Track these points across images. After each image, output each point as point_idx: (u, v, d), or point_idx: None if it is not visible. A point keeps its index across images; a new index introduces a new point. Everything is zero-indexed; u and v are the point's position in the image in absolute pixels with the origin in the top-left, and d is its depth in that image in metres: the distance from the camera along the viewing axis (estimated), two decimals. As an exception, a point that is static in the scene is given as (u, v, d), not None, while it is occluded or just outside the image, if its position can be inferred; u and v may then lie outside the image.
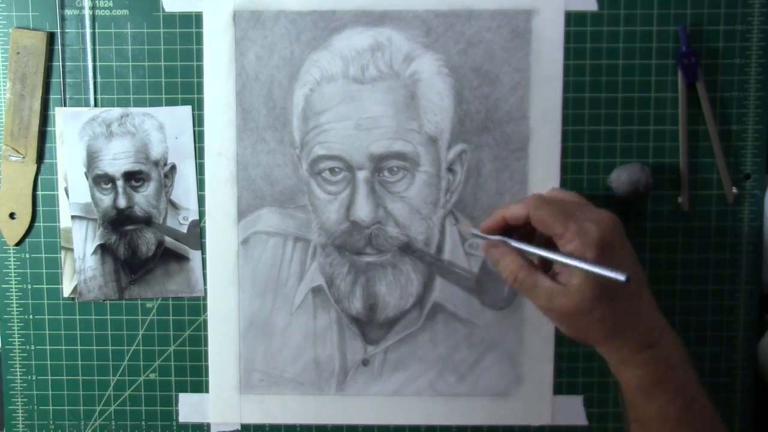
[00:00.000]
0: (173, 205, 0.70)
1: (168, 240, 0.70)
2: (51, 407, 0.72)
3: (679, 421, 0.55)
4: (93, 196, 0.69)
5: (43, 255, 0.70)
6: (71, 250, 0.70)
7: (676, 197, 0.69)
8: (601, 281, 0.53)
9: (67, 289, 0.70)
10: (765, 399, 0.71)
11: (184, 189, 0.69)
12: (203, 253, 0.70)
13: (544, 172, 0.69)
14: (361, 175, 0.68)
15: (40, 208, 0.70)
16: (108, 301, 0.71)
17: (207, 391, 0.71)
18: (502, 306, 0.70)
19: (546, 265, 0.59)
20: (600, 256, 0.54)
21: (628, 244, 0.57)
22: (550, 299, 0.56)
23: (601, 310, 0.55)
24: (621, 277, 0.50)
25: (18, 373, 0.72)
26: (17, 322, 0.71)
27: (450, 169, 0.69)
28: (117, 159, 0.69)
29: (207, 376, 0.71)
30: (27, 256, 0.70)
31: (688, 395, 0.55)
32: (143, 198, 0.69)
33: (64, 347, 0.71)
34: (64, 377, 0.71)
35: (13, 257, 0.70)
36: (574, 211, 0.56)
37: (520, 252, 0.59)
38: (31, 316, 0.71)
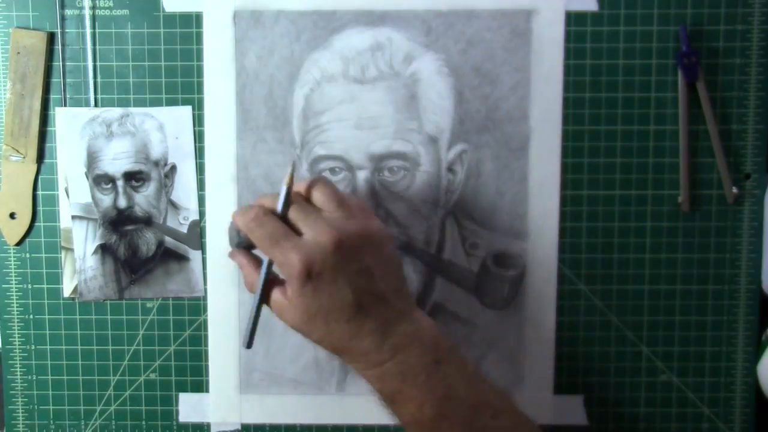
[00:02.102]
0: (173, 205, 0.70)
1: (168, 240, 0.70)
2: (51, 407, 0.72)
3: (435, 420, 0.55)
4: (93, 196, 0.69)
5: (44, 255, 0.70)
6: (71, 250, 0.70)
7: (676, 197, 0.69)
8: (307, 308, 0.55)
9: (67, 289, 0.70)
10: (766, 399, 0.71)
11: (184, 189, 0.69)
12: (203, 253, 0.70)
13: (544, 171, 0.69)
14: (362, 174, 0.68)
15: (40, 208, 0.70)
16: (108, 301, 0.71)
17: (207, 390, 0.71)
18: (503, 306, 0.70)
19: None
20: (303, 289, 0.54)
21: (361, 265, 0.55)
22: (280, 312, 0.57)
23: (317, 333, 0.56)
24: (244, 344, 0.58)
25: (18, 373, 0.72)
26: (17, 322, 0.71)
27: (450, 169, 0.69)
28: (117, 159, 0.69)
29: (207, 375, 0.71)
30: (27, 255, 0.70)
31: (438, 396, 0.55)
32: (143, 198, 0.69)
33: (64, 347, 0.71)
34: (65, 377, 0.72)
35: (14, 257, 0.70)
36: (283, 236, 0.55)
37: (256, 262, 0.59)
38: (31, 316, 0.71)
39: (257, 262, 0.59)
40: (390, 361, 0.55)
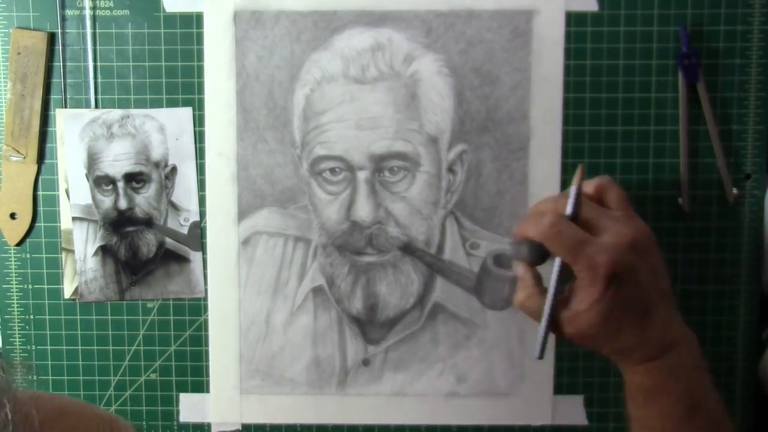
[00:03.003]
0: (174, 207, 0.70)
1: (169, 241, 0.70)
2: (52, 407, 0.72)
3: (681, 422, 0.55)
4: (94, 198, 0.69)
5: (44, 255, 0.70)
6: (72, 251, 0.70)
7: (676, 197, 0.69)
8: (605, 310, 0.53)
9: (68, 291, 0.70)
10: (766, 399, 0.71)
11: (184, 190, 0.69)
12: (204, 253, 0.70)
13: (544, 172, 0.69)
14: (362, 175, 0.68)
15: (40, 209, 0.70)
16: (109, 302, 0.71)
17: (208, 391, 0.71)
18: (503, 306, 0.70)
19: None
20: (608, 291, 0.53)
21: (650, 263, 0.55)
22: (566, 323, 0.55)
23: (605, 339, 0.55)
24: (536, 354, 0.55)
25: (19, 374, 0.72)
26: (18, 323, 0.71)
27: (450, 169, 0.69)
28: (118, 160, 0.69)
29: (208, 376, 0.71)
30: (28, 256, 0.70)
31: (694, 401, 0.55)
32: (144, 199, 0.69)
33: (65, 347, 0.71)
34: (65, 377, 0.72)
35: (14, 257, 0.70)
36: (585, 240, 0.54)
37: (535, 276, 0.58)
38: (31, 317, 0.71)
39: (537, 277, 0.58)
40: (662, 357, 0.55)
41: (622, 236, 0.54)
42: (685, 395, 0.55)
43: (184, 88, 0.69)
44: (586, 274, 0.54)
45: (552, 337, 0.70)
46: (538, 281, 0.57)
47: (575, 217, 0.55)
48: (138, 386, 0.72)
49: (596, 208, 0.57)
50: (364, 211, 0.68)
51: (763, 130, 0.68)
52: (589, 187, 0.58)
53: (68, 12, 0.68)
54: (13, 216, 0.70)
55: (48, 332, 0.71)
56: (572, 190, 0.55)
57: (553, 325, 0.56)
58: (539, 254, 0.56)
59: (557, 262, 0.55)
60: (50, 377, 0.72)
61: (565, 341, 0.69)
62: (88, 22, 0.68)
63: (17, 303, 0.71)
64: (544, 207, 0.58)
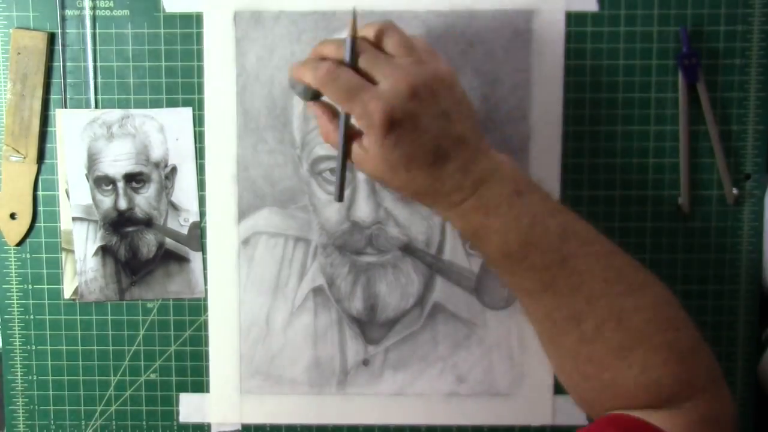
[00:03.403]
0: (174, 207, 0.70)
1: (169, 241, 0.70)
2: (52, 407, 0.72)
3: (522, 251, 0.55)
4: (94, 198, 0.69)
5: (44, 255, 0.70)
6: (72, 251, 0.70)
7: (676, 197, 0.69)
8: (389, 157, 0.54)
9: (68, 291, 0.70)
10: (766, 399, 0.71)
11: (184, 191, 0.69)
12: (204, 253, 0.70)
13: (544, 172, 0.69)
14: (362, 175, 0.68)
15: (40, 209, 0.70)
16: (109, 302, 0.71)
17: (208, 391, 0.71)
18: (503, 306, 0.70)
19: None
20: (386, 138, 0.53)
21: (439, 107, 0.55)
22: (360, 163, 0.57)
23: (398, 181, 0.55)
24: (335, 198, 0.57)
25: (19, 373, 0.72)
26: (18, 323, 0.71)
27: (450, 169, 0.69)
28: (118, 161, 0.69)
29: (208, 376, 0.71)
30: (28, 256, 0.70)
31: (523, 227, 0.54)
32: (144, 200, 0.69)
33: (64, 347, 0.71)
34: (65, 377, 0.72)
35: (14, 257, 0.70)
36: (361, 86, 0.54)
37: (331, 113, 0.59)
38: (31, 317, 0.71)
39: (332, 111, 0.58)
40: (471, 197, 0.55)
41: (399, 82, 0.53)
42: (513, 224, 0.54)
43: (184, 88, 0.69)
44: (364, 121, 0.54)
45: (552, 337, 0.70)
46: (335, 115, 0.58)
47: (354, 64, 0.55)
48: (138, 386, 0.72)
49: (377, 55, 0.56)
50: (364, 211, 0.68)
51: (763, 130, 0.68)
52: (370, 31, 0.58)
53: (68, 12, 0.68)
54: (13, 216, 0.70)
55: (48, 332, 0.71)
56: (347, 39, 0.56)
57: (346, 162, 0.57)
58: (316, 94, 0.58)
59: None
60: (50, 377, 0.72)
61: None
62: (88, 22, 0.68)
63: (17, 303, 0.71)
64: (322, 51, 0.58)
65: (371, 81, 0.55)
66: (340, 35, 0.67)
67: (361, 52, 0.56)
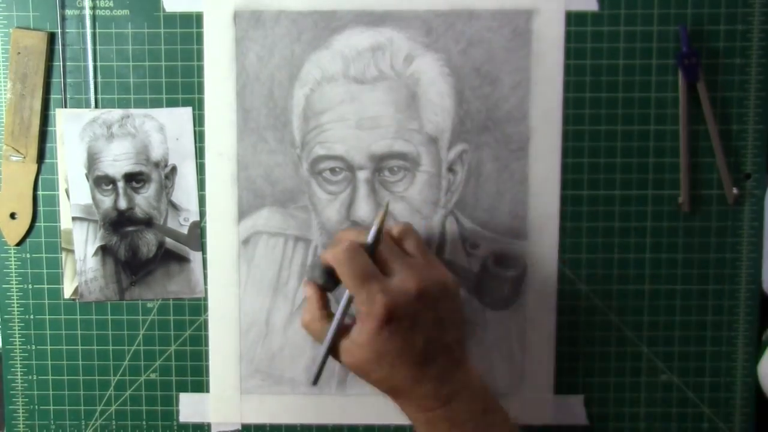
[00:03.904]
0: (174, 207, 0.70)
1: (169, 241, 0.70)
2: (52, 407, 0.72)
3: None
4: (94, 198, 0.69)
5: (44, 255, 0.70)
6: (72, 251, 0.70)
7: (676, 197, 0.69)
8: (379, 349, 0.55)
9: (68, 291, 0.70)
10: (765, 400, 0.71)
11: (184, 190, 0.69)
12: (204, 253, 0.70)
13: (544, 171, 0.69)
14: (362, 175, 0.68)
15: (40, 208, 0.70)
16: (109, 302, 0.71)
17: (207, 390, 0.71)
18: (503, 306, 0.70)
19: None
20: (377, 330, 0.55)
21: (437, 314, 0.57)
22: (344, 352, 0.57)
23: (377, 374, 0.56)
24: (311, 380, 0.59)
25: (19, 373, 0.72)
26: (18, 322, 0.71)
27: (450, 169, 0.69)
28: (118, 160, 0.69)
29: (208, 375, 0.71)
30: (28, 256, 0.70)
31: None
32: (144, 199, 0.69)
33: (64, 347, 0.71)
34: (65, 377, 0.72)
35: (14, 257, 0.70)
36: (373, 276, 0.56)
37: (322, 301, 0.60)
38: (31, 316, 0.71)
39: (325, 301, 0.60)
40: (442, 408, 0.56)
41: (409, 282, 0.56)
42: None
43: (183, 87, 0.69)
44: (365, 308, 0.55)
45: (553, 338, 0.70)
46: (325, 306, 0.60)
47: (372, 252, 0.58)
48: (138, 386, 0.72)
49: (395, 250, 0.59)
50: (364, 210, 0.68)
51: (763, 129, 0.68)
52: (395, 230, 0.60)
53: (68, 12, 0.68)
54: (13, 216, 0.70)
55: (48, 332, 0.71)
56: (375, 224, 0.58)
57: (335, 351, 0.58)
58: (331, 280, 0.59)
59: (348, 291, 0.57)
60: (50, 377, 0.72)
61: (565, 341, 0.70)
62: (88, 22, 0.68)
63: (17, 303, 0.71)
64: (347, 235, 0.60)
65: (384, 271, 0.57)
66: (339, 35, 0.67)
67: (381, 242, 0.58)
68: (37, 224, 0.70)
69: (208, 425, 0.72)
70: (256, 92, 0.69)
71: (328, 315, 0.59)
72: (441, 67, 0.68)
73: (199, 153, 0.69)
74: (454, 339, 0.58)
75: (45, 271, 0.70)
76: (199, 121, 0.69)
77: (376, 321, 0.54)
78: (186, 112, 0.69)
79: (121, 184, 0.69)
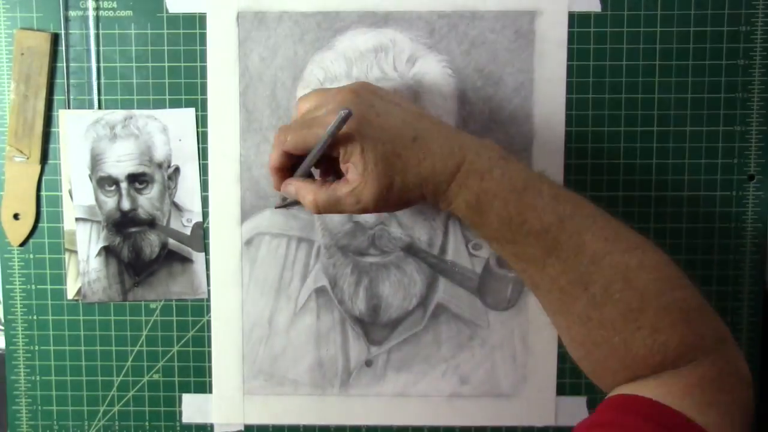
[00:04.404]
0: (177, 207, 0.70)
1: (171, 242, 0.70)
2: (55, 408, 0.72)
3: (520, 214, 0.55)
4: (97, 199, 0.69)
5: (47, 256, 0.70)
6: (75, 252, 0.70)
7: (679, 199, 0.69)
8: (375, 163, 0.55)
9: (71, 291, 0.70)
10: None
11: (187, 191, 0.69)
12: (207, 254, 0.70)
13: (547, 172, 0.68)
14: (364, 175, 0.68)
15: (44, 209, 0.70)
16: (112, 303, 0.71)
17: (210, 391, 0.71)
18: (506, 307, 0.70)
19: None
20: (362, 136, 0.55)
21: (386, 99, 0.57)
22: (356, 201, 0.57)
23: (399, 175, 0.56)
24: (343, 113, 0.53)
25: (22, 374, 0.72)
26: (21, 323, 0.71)
27: (453, 170, 0.69)
28: (121, 161, 0.69)
29: (210, 376, 0.71)
30: (31, 257, 0.70)
31: (518, 187, 0.55)
32: (147, 200, 0.69)
33: (67, 348, 0.71)
34: (68, 378, 0.72)
35: (17, 258, 0.70)
36: (314, 119, 0.57)
37: (309, 177, 0.60)
38: (35, 317, 0.71)
39: (306, 180, 0.60)
40: (464, 162, 0.55)
41: (339, 95, 0.57)
42: (507, 186, 0.55)
43: (187, 88, 0.69)
44: (326, 106, 0.57)
45: (555, 339, 0.70)
46: (313, 179, 0.60)
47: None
48: (141, 387, 0.72)
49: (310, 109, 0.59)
50: (367, 211, 0.68)
51: (767, 131, 0.68)
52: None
53: (71, 13, 0.68)
54: (16, 216, 0.70)
55: (51, 333, 0.71)
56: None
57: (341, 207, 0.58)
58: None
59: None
60: (53, 378, 0.72)
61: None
62: (92, 23, 0.68)
63: (20, 304, 0.71)
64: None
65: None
66: (342, 36, 0.67)
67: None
68: (40, 225, 0.70)
69: (211, 426, 0.72)
70: (259, 93, 0.69)
71: (323, 182, 0.59)
72: (444, 68, 0.68)
73: (202, 154, 0.69)
74: (417, 110, 0.58)
75: (48, 271, 0.70)
76: (202, 122, 0.69)
77: (355, 134, 0.55)
78: (189, 113, 0.69)
79: (124, 185, 0.69)
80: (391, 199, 0.56)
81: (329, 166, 0.60)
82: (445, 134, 0.56)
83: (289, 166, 0.60)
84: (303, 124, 0.57)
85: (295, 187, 0.60)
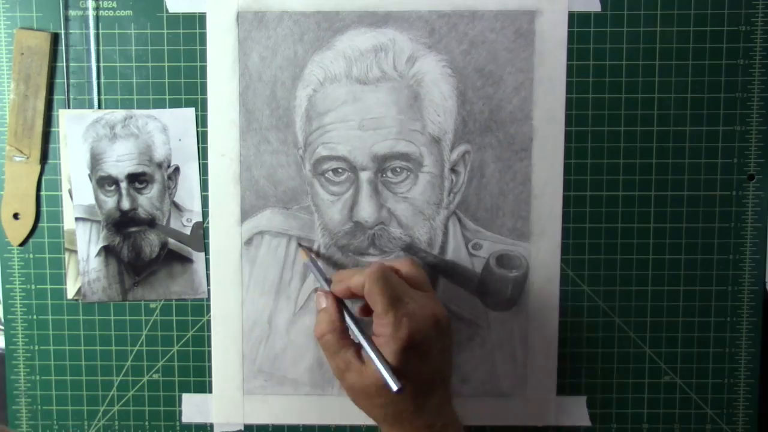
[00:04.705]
0: (177, 207, 0.70)
1: (171, 242, 0.70)
2: (54, 407, 0.72)
3: None
4: (97, 198, 0.69)
5: (47, 255, 0.70)
6: (75, 251, 0.70)
7: (679, 198, 0.69)
8: (399, 368, 0.56)
9: (71, 291, 0.70)
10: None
11: (187, 191, 0.69)
12: (206, 253, 0.70)
13: (547, 172, 0.69)
14: (365, 175, 0.68)
15: (44, 209, 0.70)
16: (112, 302, 0.71)
17: (210, 391, 0.71)
18: (506, 307, 0.70)
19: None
20: (401, 354, 0.55)
21: (443, 344, 0.58)
22: (344, 371, 0.58)
23: (384, 399, 0.57)
24: (394, 387, 0.54)
25: (22, 374, 0.72)
26: (21, 323, 0.71)
27: (453, 170, 0.69)
28: (121, 161, 0.69)
29: (210, 376, 0.71)
30: (31, 256, 0.70)
31: None
32: (147, 200, 0.69)
33: (67, 348, 0.71)
34: (68, 377, 0.72)
35: (17, 258, 0.70)
36: (401, 298, 0.57)
37: (340, 314, 0.61)
38: (34, 317, 0.71)
39: (342, 314, 0.61)
40: None
41: (427, 310, 0.57)
42: None
43: (187, 88, 0.69)
44: (389, 331, 0.56)
45: (555, 339, 0.70)
46: (343, 318, 0.61)
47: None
48: (141, 387, 0.72)
49: (403, 283, 0.60)
50: (366, 211, 0.68)
51: (767, 130, 0.68)
52: (402, 266, 0.62)
53: (71, 12, 0.68)
54: (16, 216, 0.70)
55: (51, 332, 0.71)
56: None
57: (337, 372, 0.60)
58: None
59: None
60: (53, 377, 0.72)
61: (567, 342, 0.70)
62: (92, 23, 0.68)
63: (20, 303, 0.71)
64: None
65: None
66: (342, 36, 0.67)
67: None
68: (40, 225, 0.70)
69: (211, 426, 0.72)
70: (259, 93, 0.69)
71: (344, 330, 0.60)
72: (444, 68, 0.68)
73: (202, 154, 0.69)
74: (449, 374, 0.60)
75: (48, 271, 0.70)
76: (202, 121, 0.69)
77: (399, 344, 0.55)
78: (189, 113, 0.69)
79: (124, 185, 0.69)
80: (360, 401, 0.59)
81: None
82: (441, 409, 0.58)
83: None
84: (393, 292, 0.58)
85: (327, 305, 0.62)
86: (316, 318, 0.62)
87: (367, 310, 0.61)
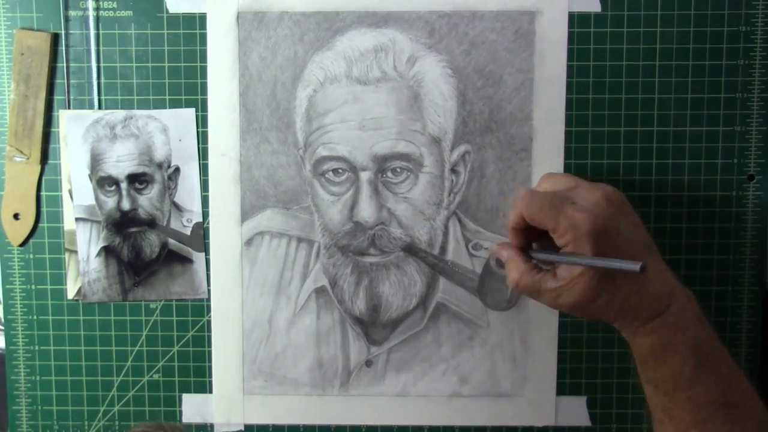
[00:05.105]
0: (177, 207, 0.70)
1: (171, 242, 0.70)
2: (55, 408, 0.72)
3: (692, 380, 0.55)
4: (97, 199, 0.69)
5: (47, 256, 0.70)
6: (75, 252, 0.70)
7: (679, 199, 0.69)
8: (592, 276, 0.54)
9: (71, 291, 0.70)
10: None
11: (187, 191, 0.69)
12: (207, 254, 0.70)
13: (547, 172, 0.68)
14: (365, 176, 0.68)
15: (44, 209, 0.70)
16: (112, 303, 0.71)
17: (210, 391, 0.71)
18: (506, 307, 0.70)
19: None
20: (596, 246, 0.53)
21: (629, 217, 0.56)
22: (555, 298, 0.56)
23: (606, 296, 0.55)
24: (635, 267, 0.50)
25: (22, 374, 0.72)
26: (21, 323, 0.71)
27: (453, 170, 0.69)
28: (121, 161, 0.69)
29: (211, 376, 0.71)
30: (31, 257, 0.70)
31: (702, 354, 0.55)
32: (147, 200, 0.69)
33: (67, 348, 0.71)
34: (68, 378, 0.72)
35: (17, 258, 0.70)
36: (563, 201, 0.56)
37: (524, 255, 0.59)
38: (35, 317, 0.71)
39: (525, 255, 0.59)
40: (665, 312, 0.55)
41: (592, 194, 0.56)
42: (693, 349, 0.55)
43: (187, 88, 0.69)
44: (571, 234, 0.54)
45: (555, 339, 0.70)
46: (528, 258, 0.59)
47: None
48: (141, 387, 0.72)
49: (553, 188, 0.59)
50: (366, 212, 0.68)
51: (767, 131, 0.68)
52: (540, 182, 0.63)
53: (71, 13, 0.68)
54: (16, 216, 0.70)
55: (51, 333, 0.71)
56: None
57: (539, 295, 0.58)
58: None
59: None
60: (53, 378, 0.72)
61: (567, 342, 0.70)
62: (92, 23, 0.68)
63: (20, 304, 0.71)
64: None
65: None
66: (342, 36, 0.67)
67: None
68: (40, 225, 0.70)
69: (211, 426, 0.72)
70: (259, 93, 0.69)
71: (534, 266, 0.58)
72: (444, 68, 0.68)
73: (202, 154, 0.69)
74: (651, 241, 0.57)
75: (48, 271, 0.70)
76: (202, 122, 0.69)
77: (587, 238, 0.53)
78: (189, 113, 0.69)
79: (124, 185, 0.69)
80: (586, 310, 0.56)
81: (548, 242, 0.58)
82: (661, 275, 0.56)
83: (525, 227, 0.59)
84: (550, 201, 0.56)
85: (508, 255, 0.60)
86: (507, 273, 0.60)
87: (547, 242, 0.59)
